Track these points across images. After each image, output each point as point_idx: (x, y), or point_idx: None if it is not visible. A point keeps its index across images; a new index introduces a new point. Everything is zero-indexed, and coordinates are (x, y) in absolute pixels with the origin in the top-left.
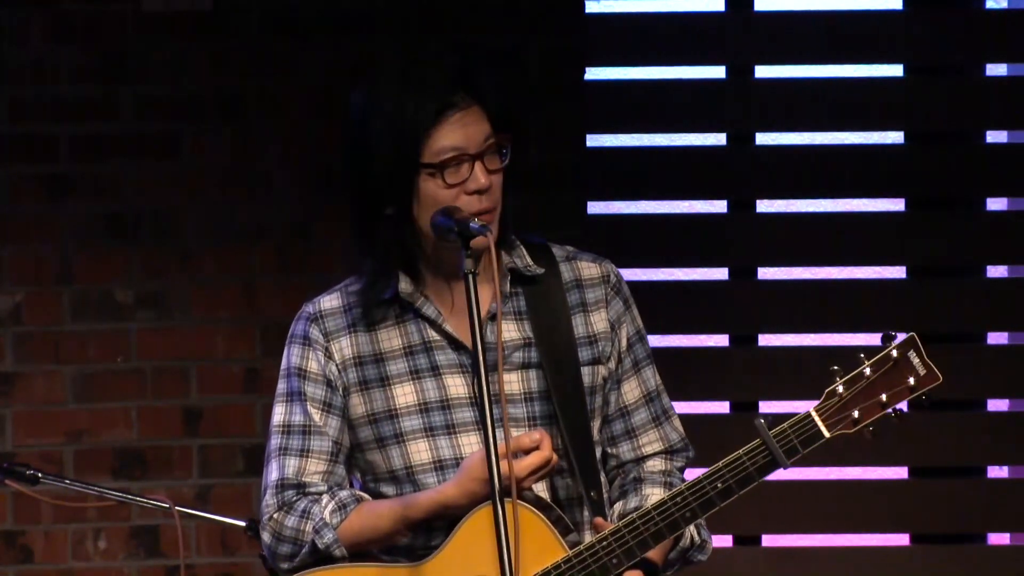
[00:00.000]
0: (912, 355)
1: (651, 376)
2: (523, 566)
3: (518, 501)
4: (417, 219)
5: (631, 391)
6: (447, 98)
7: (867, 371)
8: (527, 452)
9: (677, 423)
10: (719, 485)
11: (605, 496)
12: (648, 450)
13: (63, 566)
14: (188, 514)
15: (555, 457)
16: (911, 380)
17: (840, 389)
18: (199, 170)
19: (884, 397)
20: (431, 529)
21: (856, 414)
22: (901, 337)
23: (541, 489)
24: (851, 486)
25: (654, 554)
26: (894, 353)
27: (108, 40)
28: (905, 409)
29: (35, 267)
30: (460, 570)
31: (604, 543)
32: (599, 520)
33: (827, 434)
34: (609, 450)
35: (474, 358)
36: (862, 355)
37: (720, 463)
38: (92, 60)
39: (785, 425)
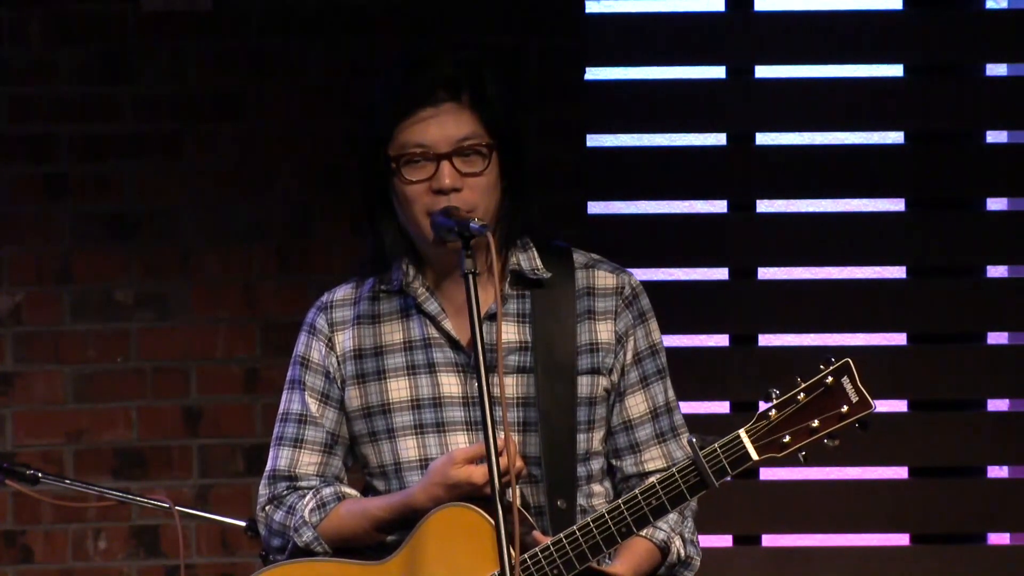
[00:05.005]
0: (846, 381)
1: (661, 392)
2: (464, 572)
3: (469, 506)
4: (398, 215)
5: (636, 405)
6: (422, 95)
7: (800, 395)
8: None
9: (686, 442)
10: (653, 502)
11: (595, 504)
12: (650, 467)
13: (63, 566)
14: (188, 514)
15: (520, 463)
16: (843, 407)
17: (772, 412)
18: (199, 170)
19: (815, 423)
20: (404, 530)
21: (787, 438)
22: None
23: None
24: (851, 486)
25: (622, 568)
26: (828, 379)
27: (108, 40)
28: (838, 437)
29: (35, 267)
30: (412, 573)
31: (546, 553)
32: (536, 534)
33: (755, 456)
34: (614, 462)
35: (472, 358)
36: (798, 379)
37: (655, 479)
38: (92, 60)
39: (716, 445)
